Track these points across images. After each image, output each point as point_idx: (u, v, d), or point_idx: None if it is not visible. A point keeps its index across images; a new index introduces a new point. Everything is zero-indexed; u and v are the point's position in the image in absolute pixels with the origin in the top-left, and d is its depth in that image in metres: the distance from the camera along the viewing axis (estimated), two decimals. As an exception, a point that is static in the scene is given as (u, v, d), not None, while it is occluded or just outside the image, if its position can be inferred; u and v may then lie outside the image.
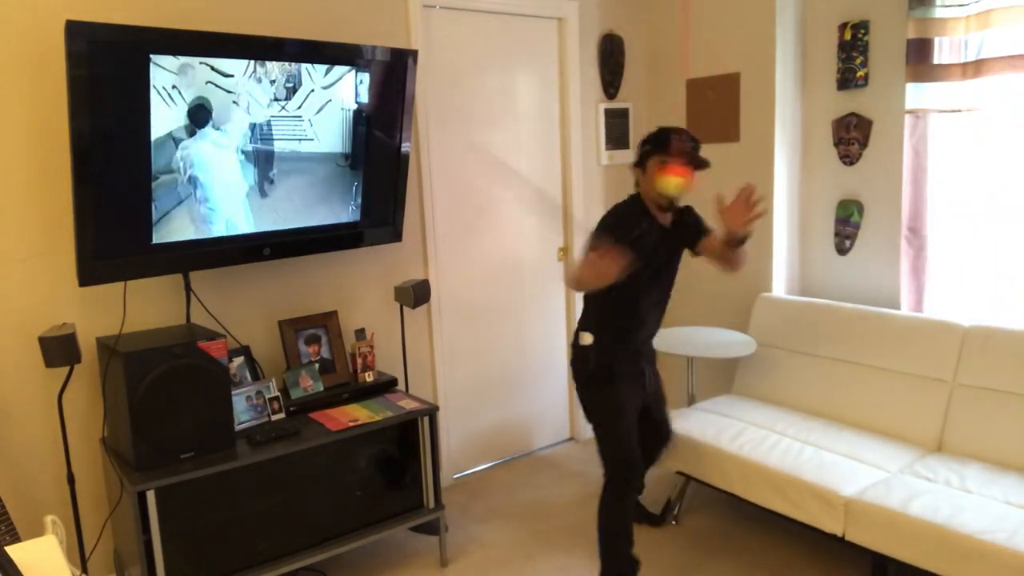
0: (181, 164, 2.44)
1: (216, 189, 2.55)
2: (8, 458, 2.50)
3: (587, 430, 4.08)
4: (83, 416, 2.62)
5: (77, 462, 2.59)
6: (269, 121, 2.61)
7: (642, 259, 2.42)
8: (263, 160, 2.64)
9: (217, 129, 2.50)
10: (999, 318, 2.88)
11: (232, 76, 2.49)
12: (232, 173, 2.58)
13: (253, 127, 2.58)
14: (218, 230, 2.60)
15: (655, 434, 2.87)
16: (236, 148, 2.56)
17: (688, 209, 2.61)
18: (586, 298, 2.60)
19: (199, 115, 2.44)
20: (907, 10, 2.98)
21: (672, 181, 2.38)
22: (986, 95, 2.85)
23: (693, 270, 3.92)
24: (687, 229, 2.57)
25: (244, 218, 2.65)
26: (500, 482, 3.60)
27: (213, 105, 2.47)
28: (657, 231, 2.50)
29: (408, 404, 2.83)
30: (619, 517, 2.55)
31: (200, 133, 2.46)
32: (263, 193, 2.67)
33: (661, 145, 2.45)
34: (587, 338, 2.56)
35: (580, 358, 2.59)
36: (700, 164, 2.43)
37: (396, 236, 3.13)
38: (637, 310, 2.54)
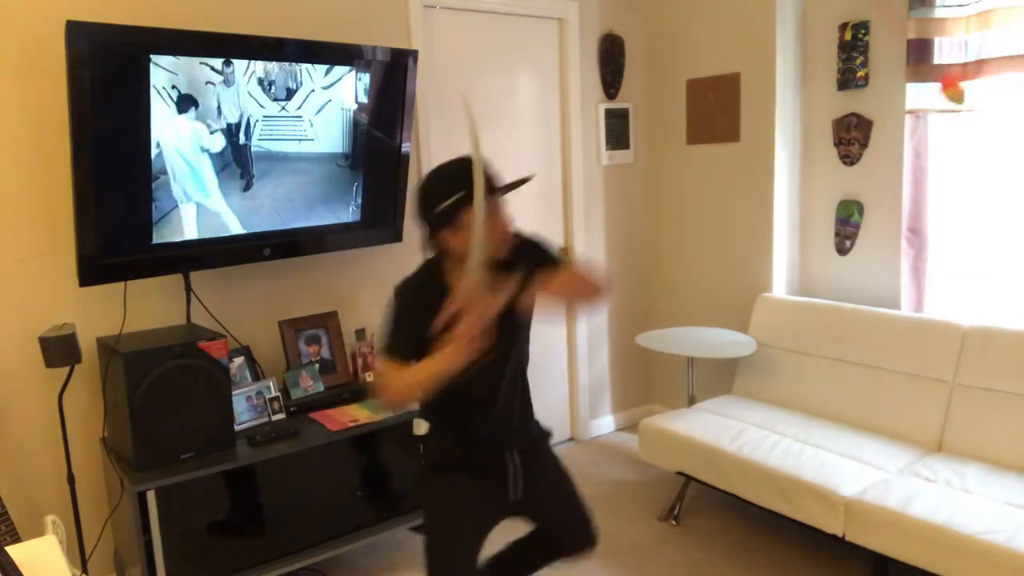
0: (173, 161, 2.44)
1: (216, 189, 2.55)
2: (8, 458, 2.50)
3: (587, 430, 4.09)
4: (83, 416, 2.62)
5: (77, 462, 2.59)
6: (269, 121, 2.61)
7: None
8: (263, 160, 2.64)
9: (216, 129, 2.50)
10: (999, 318, 2.88)
11: (230, 76, 2.49)
12: (232, 172, 2.58)
13: (253, 127, 2.58)
14: (218, 230, 2.60)
15: (557, 531, 2.13)
16: (236, 148, 2.56)
17: (522, 242, 1.94)
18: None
19: (185, 103, 2.41)
20: (907, 10, 2.98)
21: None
22: (986, 95, 2.85)
23: (693, 270, 3.93)
24: (526, 264, 1.88)
25: (244, 218, 2.65)
26: (500, 482, 3.60)
27: (213, 105, 2.47)
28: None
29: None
30: None
31: (185, 118, 2.46)
32: (262, 193, 2.67)
33: (477, 188, 1.69)
34: (422, 427, 1.97)
35: (419, 449, 2.00)
36: (508, 189, 1.82)
37: (396, 236, 3.13)
38: (492, 398, 1.96)
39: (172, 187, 2.44)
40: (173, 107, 2.38)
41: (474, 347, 1.71)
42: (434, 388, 1.79)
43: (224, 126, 2.51)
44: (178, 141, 2.42)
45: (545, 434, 2.16)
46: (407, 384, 1.79)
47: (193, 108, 2.41)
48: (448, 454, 1.96)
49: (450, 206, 1.76)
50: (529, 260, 1.91)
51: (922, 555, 2.25)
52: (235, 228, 2.63)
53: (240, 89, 2.51)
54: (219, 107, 2.48)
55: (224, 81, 2.48)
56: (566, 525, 2.09)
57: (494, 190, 1.79)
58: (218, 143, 2.51)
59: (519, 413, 2.07)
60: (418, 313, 1.83)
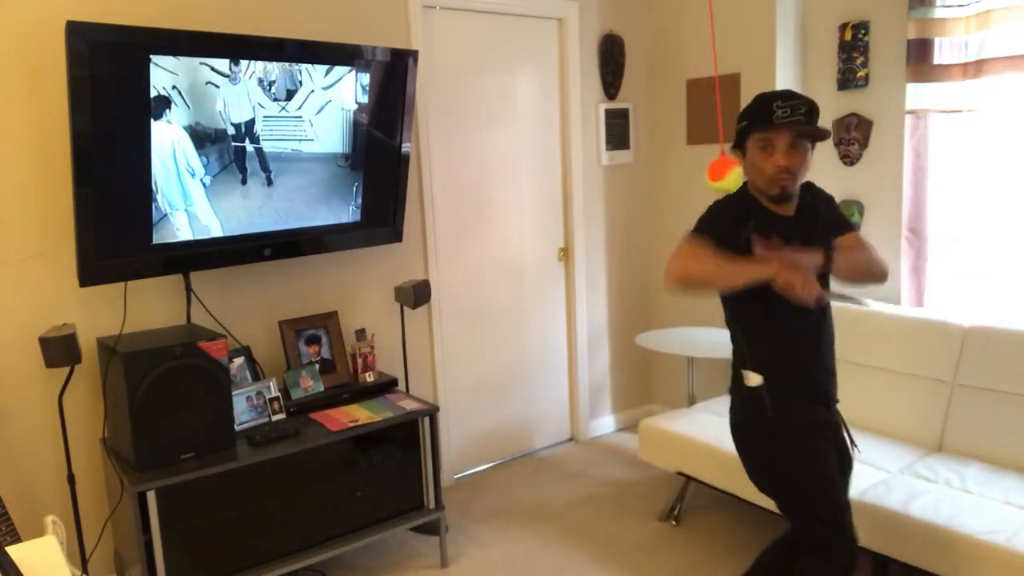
0: (176, 157, 2.44)
1: (216, 189, 2.55)
2: (9, 458, 2.50)
3: (587, 430, 4.09)
4: (83, 416, 2.62)
5: (77, 462, 2.59)
6: (269, 121, 2.61)
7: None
8: (263, 160, 2.64)
9: (216, 129, 2.50)
10: (999, 318, 2.88)
11: (229, 76, 2.49)
12: (232, 173, 2.58)
13: (253, 127, 2.58)
14: (217, 230, 2.60)
15: None
16: (236, 148, 2.56)
17: (811, 188, 2.05)
18: (735, 327, 2.04)
19: (159, 107, 2.37)
20: (907, 10, 2.98)
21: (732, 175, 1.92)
22: (986, 96, 2.85)
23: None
24: (819, 214, 1.99)
25: (244, 218, 2.65)
26: (500, 482, 3.60)
27: (212, 105, 2.47)
28: (778, 226, 1.93)
29: (408, 404, 2.83)
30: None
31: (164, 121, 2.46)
32: (262, 193, 2.67)
33: (761, 119, 1.87)
34: (754, 379, 1.97)
35: (748, 404, 2.01)
36: (817, 136, 1.88)
37: (396, 236, 3.13)
38: (817, 343, 2.00)
39: (178, 189, 2.44)
40: (174, 107, 2.38)
41: (798, 283, 1.74)
42: (722, 287, 1.91)
43: (227, 127, 2.51)
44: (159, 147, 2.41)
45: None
46: (706, 265, 1.86)
47: (167, 111, 2.38)
48: (789, 407, 1.97)
49: (741, 129, 1.95)
50: (824, 215, 2.01)
51: (922, 555, 2.25)
52: (234, 229, 2.63)
53: (242, 89, 2.51)
54: (225, 107, 2.48)
55: (231, 79, 2.48)
56: (847, 507, 2.00)
57: (778, 127, 1.86)
58: (223, 144, 2.51)
59: (832, 371, 2.08)
60: (734, 215, 1.94)
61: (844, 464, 2.07)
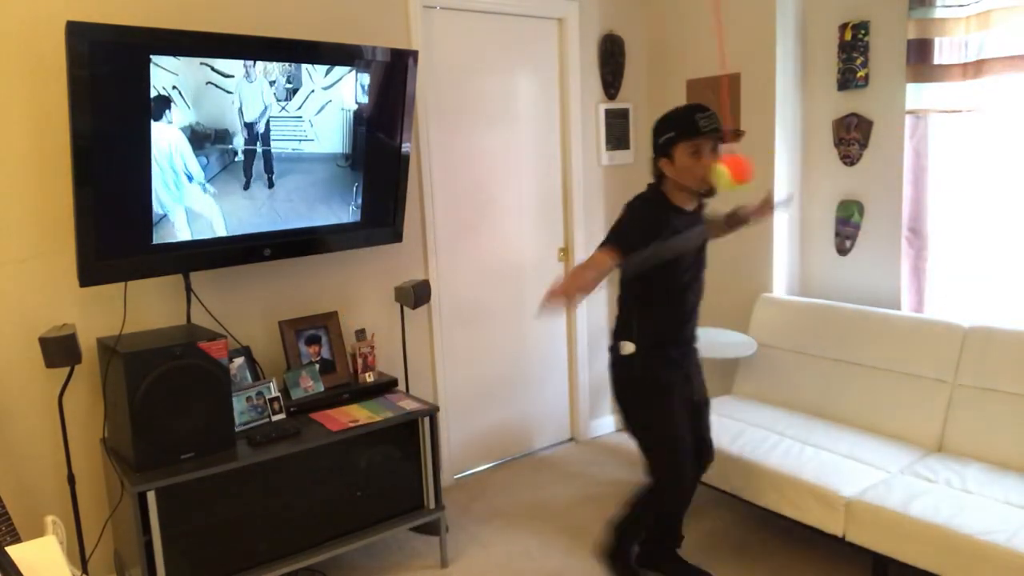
0: (173, 160, 2.44)
1: (216, 189, 2.55)
2: (8, 458, 2.50)
3: (587, 430, 4.09)
4: (83, 416, 2.62)
5: (77, 462, 2.59)
6: (269, 121, 2.61)
7: (685, 257, 2.34)
8: (263, 161, 2.64)
9: (216, 129, 2.50)
10: (999, 318, 2.88)
11: (232, 76, 2.49)
12: (232, 173, 2.58)
13: (253, 128, 2.58)
14: (218, 230, 2.60)
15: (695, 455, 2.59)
16: (236, 149, 2.56)
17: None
18: (623, 303, 2.48)
19: (160, 107, 2.39)
20: (907, 10, 2.98)
21: (726, 175, 2.23)
22: (986, 95, 2.85)
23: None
24: (702, 209, 2.47)
25: (244, 219, 2.65)
26: (500, 482, 3.60)
27: (212, 105, 2.47)
28: (686, 219, 2.37)
29: (408, 404, 2.83)
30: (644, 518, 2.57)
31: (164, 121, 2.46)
32: (263, 194, 2.67)
33: (690, 129, 2.26)
34: (628, 347, 2.42)
35: (623, 367, 2.45)
36: (732, 138, 2.36)
37: (396, 236, 3.13)
38: (682, 310, 2.42)
39: (178, 188, 2.44)
40: (174, 107, 2.38)
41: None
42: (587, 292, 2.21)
43: (238, 127, 2.51)
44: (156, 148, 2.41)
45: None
46: (591, 277, 2.19)
47: (167, 111, 2.38)
48: (658, 369, 2.41)
49: (667, 139, 2.30)
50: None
51: (922, 555, 2.25)
52: (234, 229, 2.63)
53: (257, 88, 2.51)
54: (241, 106, 2.48)
55: (246, 75, 2.49)
56: (706, 438, 2.64)
57: (701, 133, 2.25)
58: (223, 145, 2.51)
59: (695, 335, 2.53)
60: (649, 220, 2.30)
61: (699, 407, 2.57)
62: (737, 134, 2.30)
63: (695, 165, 2.28)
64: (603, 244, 2.27)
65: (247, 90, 2.53)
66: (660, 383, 2.42)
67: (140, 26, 2.37)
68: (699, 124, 2.25)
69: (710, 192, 2.33)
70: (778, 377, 3.32)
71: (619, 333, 2.46)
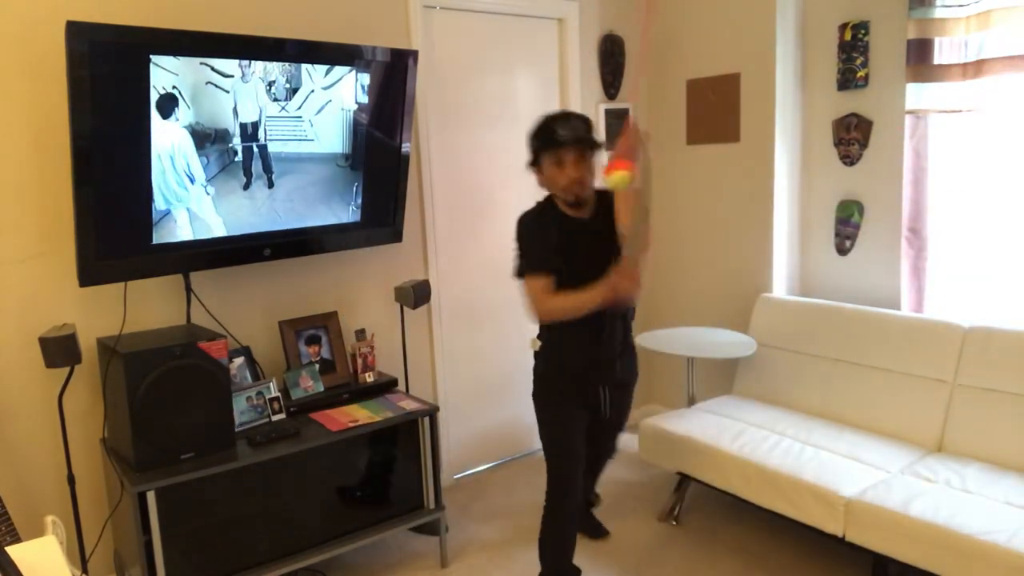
0: (174, 160, 2.44)
1: (217, 189, 2.55)
2: (8, 458, 2.50)
3: (587, 430, 4.08)
4: (83, 416, 2.62)
5: (77, 462, 2.59)
6: (266, 121, 2.61)
7: (574, 264, 2.25)
8: (263, 161, 2.64)
9: (216, 129, 2.50)
10: (999, 318, 2.88)
11: (232, 76, 2.49)
12: (233, 173, 2.58)
13: (253, 127, 2.58)
14: (218, 231, 2.60)
15: (595, 457, 2.77)
16: (235, 148, 2.56)
17: (605, 193, 2.35)
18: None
19: (160, 107, 2.37)
20: (907, 10, 2.98)
21: (616, 176, 2.10)
22: (986, 95, 2.85)
23: (693, 270, 3.93)
24: (611, 221, 2.31)
25: (244, 219, 2.65)
26: (500, 482, 3.60)
27: (212, 105, 2.47)
28: (575, 227, 2.31)
29: (408, 404, 2.83)
30: (553, 529, 2.54)
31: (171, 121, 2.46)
32: (263, 194, 2.67)
33: (548, 140, 2.24)
34: (536, 344, 2.45)
35: (535, 360, 2.49)
36: (596, 147, 2.27)
37: (396, 236, 3.13)
38: (589, 321, 2.28)
39: (178, 188, 2.44)
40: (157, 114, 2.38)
41: (628, 289, 2.12)
42: (582, 314, 2.20)
43: (234, 127, 2.51)
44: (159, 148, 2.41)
45: (635, 376, 2.63)
46: (560, 307, 2.23)
47: (167, 111, 2.38)
48: (553, 372, 2.42)
49: (534, 149, 2.30)
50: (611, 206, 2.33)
51: (922, 555, 2.25)
52: (234, 229, 2.63)
53: (252, 89, 2.51)
54: (236, 106, 2.48)
55: (243, 78, 2.48)
56: (610, 447, 2.82)
57: (560, 145, 2.22)
58: (223, 145, 2.51)
59: (619, 351, 2.47)
60: (544, 232, 2.28)
61: (607, 427, 2.62)
62: (632, 136, 2.17)
63: (558, 175, 2.26)
64: (525, 272, 2.28)
65: (243, 90, 2.53)
66: (556, 388, 2.43)
67: (140, 26, 2.37)
68: (557, 135, 2.22)
69: (578, 202, 2.30)
70: (778, 377, 3.32)
71: (540, 328, 2.47)
